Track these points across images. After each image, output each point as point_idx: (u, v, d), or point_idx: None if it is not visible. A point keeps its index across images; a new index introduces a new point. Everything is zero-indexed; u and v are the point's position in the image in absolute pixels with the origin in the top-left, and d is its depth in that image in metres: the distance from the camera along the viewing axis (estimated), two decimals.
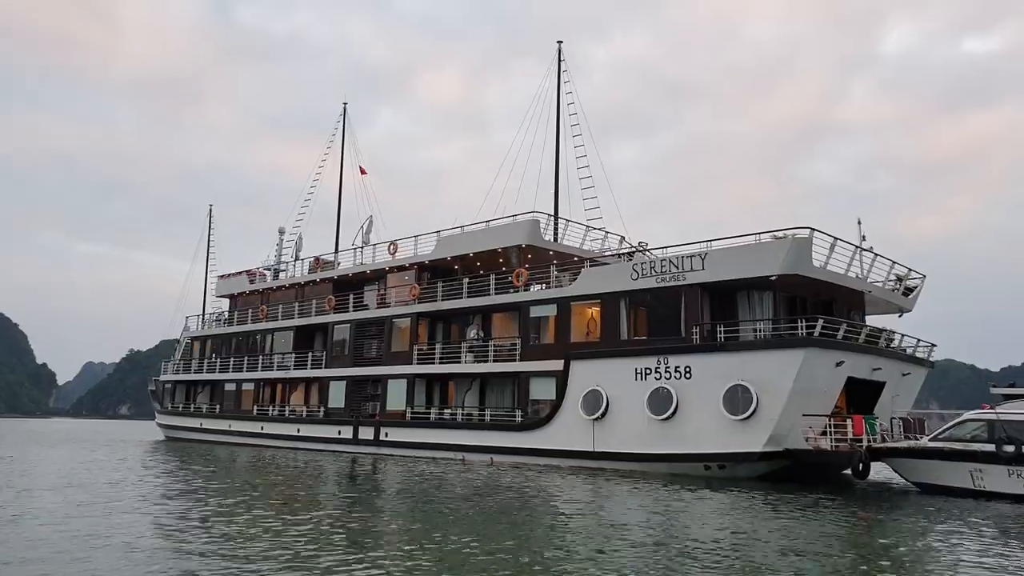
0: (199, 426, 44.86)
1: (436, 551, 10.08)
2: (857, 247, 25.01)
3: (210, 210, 58.39)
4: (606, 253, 33.82)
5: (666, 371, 24.58)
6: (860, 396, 25.23)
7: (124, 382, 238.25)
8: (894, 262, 26.93)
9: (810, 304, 25.58)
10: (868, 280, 25.99)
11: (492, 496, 17.42)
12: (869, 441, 22.38)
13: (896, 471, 21.70)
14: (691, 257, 24.77)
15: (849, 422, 22.59)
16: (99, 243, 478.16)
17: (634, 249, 34.05)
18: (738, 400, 22.83)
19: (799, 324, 22.68)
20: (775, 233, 23.74)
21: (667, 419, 24.22)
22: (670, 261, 25.29)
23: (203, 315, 54.44)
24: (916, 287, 28.60)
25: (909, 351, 27.46)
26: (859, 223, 25.87)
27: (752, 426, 22.59)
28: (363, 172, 47.26)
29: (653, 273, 25.59)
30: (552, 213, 34.59)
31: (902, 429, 24.93)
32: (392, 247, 36.86)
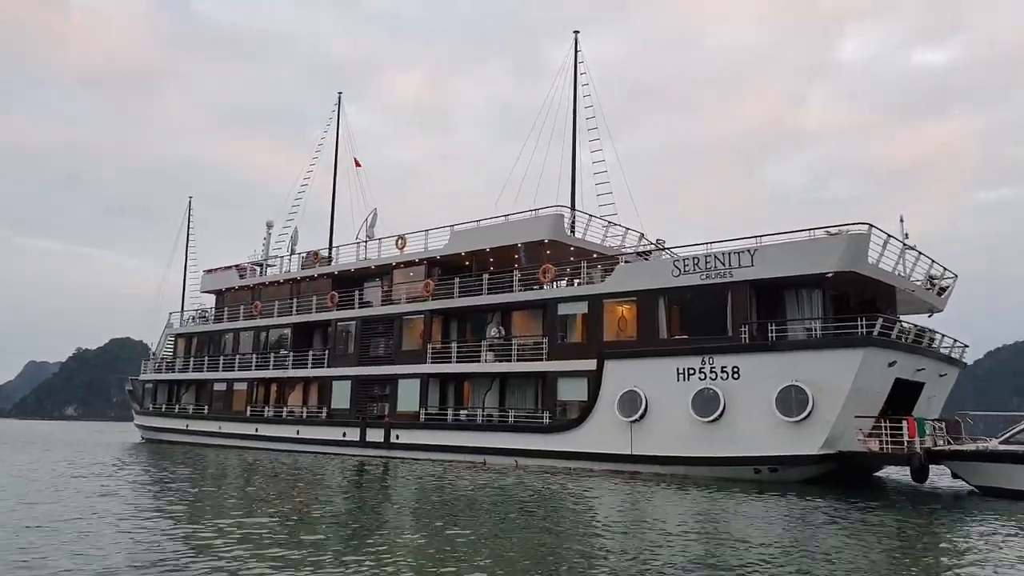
0: (185, 427, 42.84)
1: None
2: (904, 244, 24.50)
3: (189, 202, 56.23)
4: (625, 250, 32.96)
5: (711, 371, 23.74)
6: (899, 397, 24.68)
7: (71, 381, 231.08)
8: (933, 261, 26.52)
9: (854, 303, 25.01)
10: (910, 278, 25.51)
11: (528, 502, 16.38)
12: (920, 443, 21.87)
13: (956, 474, 21.15)
14: (739, 253, 23.97)
15: (904, 424, 22.04)
16: (44, 238, 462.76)
17: (653, 247, 33.36)
18: (792, 401, 22.08)
19: (859, 323, 22.03)
20: (828, 229, 23.08)
21: (713, 421, 23.38)
22: (715, 257, 24.45)
23: (182, 312, 52.27)
24: (949, 287, 28.28)
25: (943, 351, 27.10)
26: (901, 220, 25.39)
27: (807, 428, 21.86)
28: (358, 164, 45.64)
29: (697, 270, 24.73)
30: (570, 207, 33.56)
31: (944, 431, 24.49)
32: (400, 241, 35.48)
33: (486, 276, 31.24)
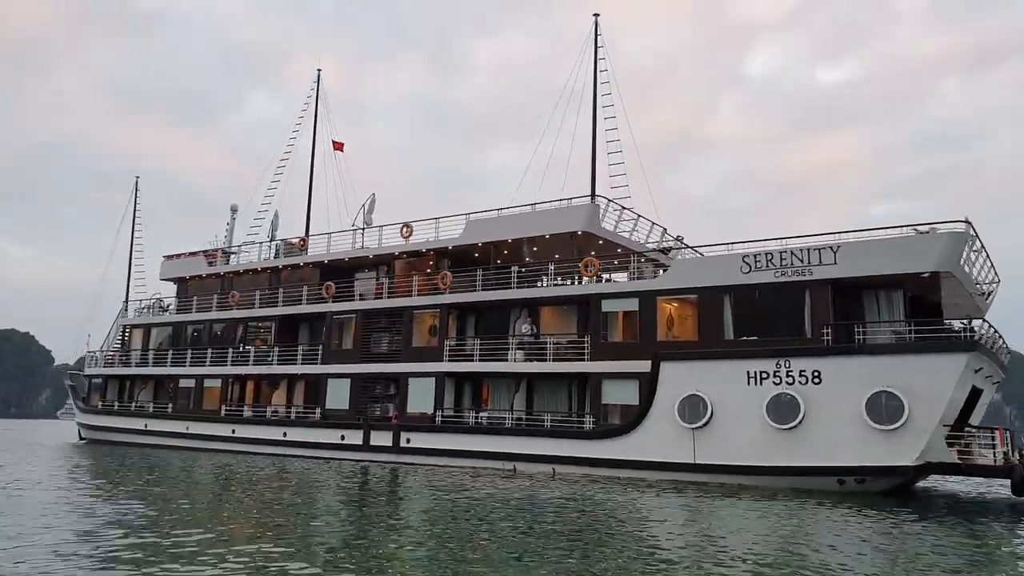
0: (143, 427, 38.77)
1: None
2: (982, 246, 23.56)
3: (136, 183, 51.29)
4: (650, 245, 31.27)
5: (788, 375, 22.20)
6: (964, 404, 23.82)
7: None
8: (992, 264, 25.76)
9: (926, 305, 23.95)
10: (975, 282, 24.64)
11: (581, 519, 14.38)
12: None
13: None
14: (820, 250, 22.51)
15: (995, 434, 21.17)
16: None
17: (675, 244, 31.79)
18: (884, 408, 20.74)
19: (963, 326, 20.94)
20: (917, 227, 21.87)
21: (792, 428, 21.85)
22: (792, 253, 22.94)
23: (127, 300, 47.77)
24: (992, 292, 27.67)
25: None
26: (968, 223, 24.49)
27: (902, 437, 20.52)
28: (338, 147, 42.45)
29: (771, 266, 23.16)
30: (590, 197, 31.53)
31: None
32: (406, 229, 32.77)
33: (515, 269, 28.95)
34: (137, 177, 51.43)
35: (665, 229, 32.45)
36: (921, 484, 25.61)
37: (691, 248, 30.61)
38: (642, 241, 31.23)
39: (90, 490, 17.80)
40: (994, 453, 22.35)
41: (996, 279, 27.51)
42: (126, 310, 45.77)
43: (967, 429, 22.94)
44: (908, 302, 22.80)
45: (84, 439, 43.20)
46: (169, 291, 43.78)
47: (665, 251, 31.04)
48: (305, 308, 34.76)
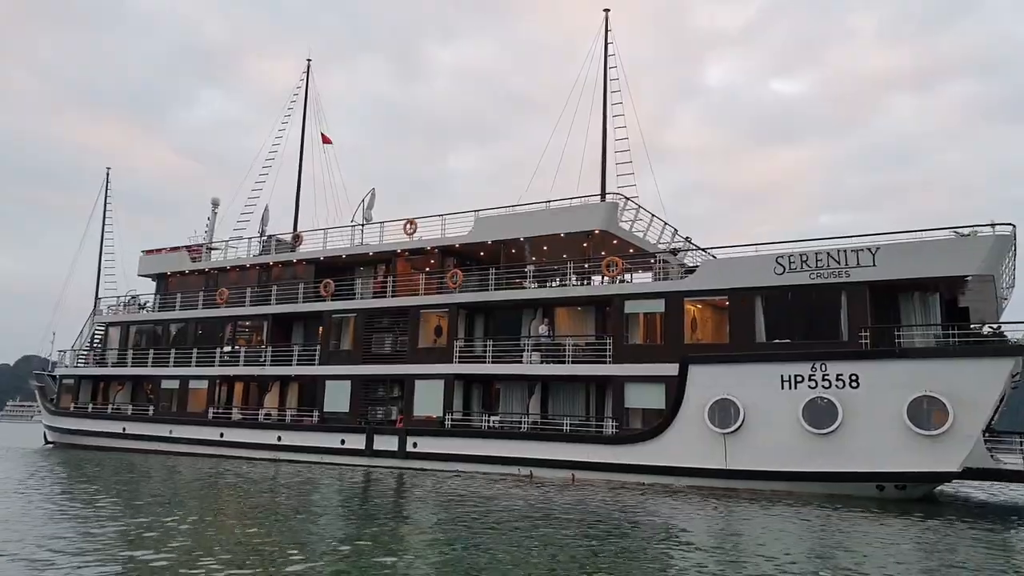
0: (121, 431, 36.81)
1: None
2: (1015, 251, 23.37)
3: (107, 174, 49.11)
4: (662, 246, 30.65)
5: (824, 379, 21.66)
6: None
7: None
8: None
9: (957, 310, 23.67)
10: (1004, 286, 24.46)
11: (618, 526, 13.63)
12: None
13: None
14: (858, 252, 22.04)
15: None
16: None
17: (684, 246, 31.25)
18: (927, 413, 20.31)
19: (992, 329, 20.67)
20: (957, 230, 21.54)
21: (830, 433, 21.31)
22: (828, 255, 22.44)
23: (96, 296, 45.65)
24: (1008, 296, 27.60)
25: None
26: (1013, 226, 24.31)
27: (946, 443, 20.10)
28: (327, 141, 41.06)
29: (806, 268, 22.62)
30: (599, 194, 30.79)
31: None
32: (410, 226, 31.61)
33: (530, 268, 28.04)
34: (108, 168, 49.22)
35: (676, 230, 31.87)
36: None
37: (702, 249, 30.14)
38: (654, 241, 30.58)
39: (63, 498, 16.36)
40: None
41: (1013, 283, 27.48)
42: (97, 307, 43.68)
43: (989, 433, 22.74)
44: (944, 305, 22.52)
45: (51, 443, 41.00)
46: (145, 287, 41.99)
47: (675, 252, 30.45)
48: (300, 307, 33.33)
